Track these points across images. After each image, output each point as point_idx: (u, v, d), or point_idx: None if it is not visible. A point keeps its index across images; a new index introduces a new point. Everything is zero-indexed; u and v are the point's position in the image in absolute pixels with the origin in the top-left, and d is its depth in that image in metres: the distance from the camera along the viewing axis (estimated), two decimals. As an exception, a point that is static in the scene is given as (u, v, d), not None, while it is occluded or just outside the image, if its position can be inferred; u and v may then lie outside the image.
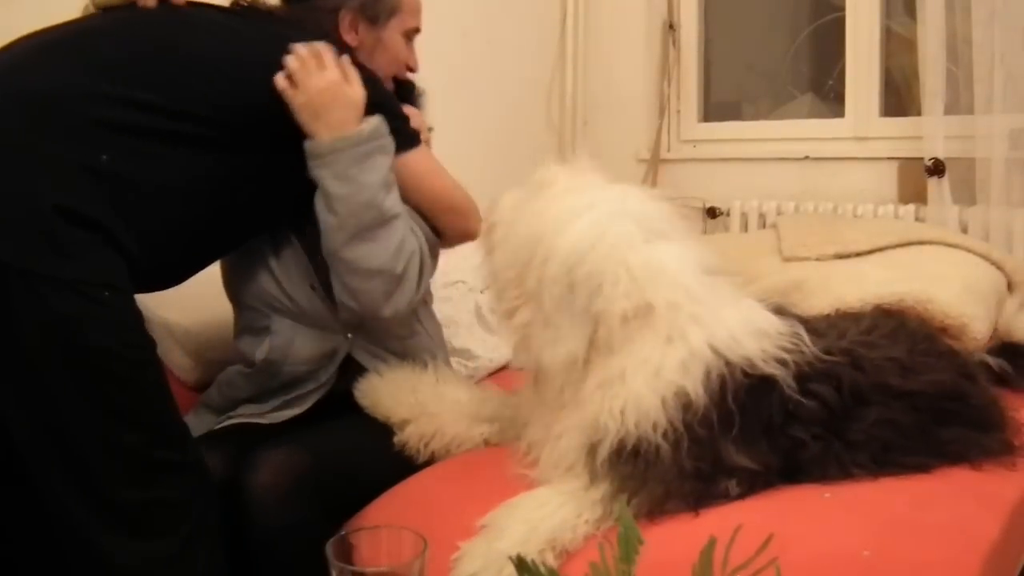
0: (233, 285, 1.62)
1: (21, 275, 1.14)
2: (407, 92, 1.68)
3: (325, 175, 1.40)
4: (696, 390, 1.18)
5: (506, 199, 1.39)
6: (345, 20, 1.54)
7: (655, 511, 1.17)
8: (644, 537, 0.77)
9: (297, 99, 1.37)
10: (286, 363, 1.55)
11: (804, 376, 1.24)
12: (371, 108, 1.44)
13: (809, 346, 1.26)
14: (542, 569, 0.77)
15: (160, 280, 1.40)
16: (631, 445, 1.17)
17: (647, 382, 1.19)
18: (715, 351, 1.21)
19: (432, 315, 1.74)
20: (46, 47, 1.32)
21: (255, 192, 1.43)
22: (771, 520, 1.10)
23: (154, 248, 1.29)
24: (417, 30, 1.65)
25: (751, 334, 1.24)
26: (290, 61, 1.37)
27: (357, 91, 1.41)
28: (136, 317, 1.25)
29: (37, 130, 1.21)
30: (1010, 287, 2.18)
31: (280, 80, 1.37)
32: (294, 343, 1.55)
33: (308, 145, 1.40)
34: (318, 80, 1.37)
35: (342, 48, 1.47)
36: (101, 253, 1.21)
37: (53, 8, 1.61)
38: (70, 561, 1.21)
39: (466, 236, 1.63)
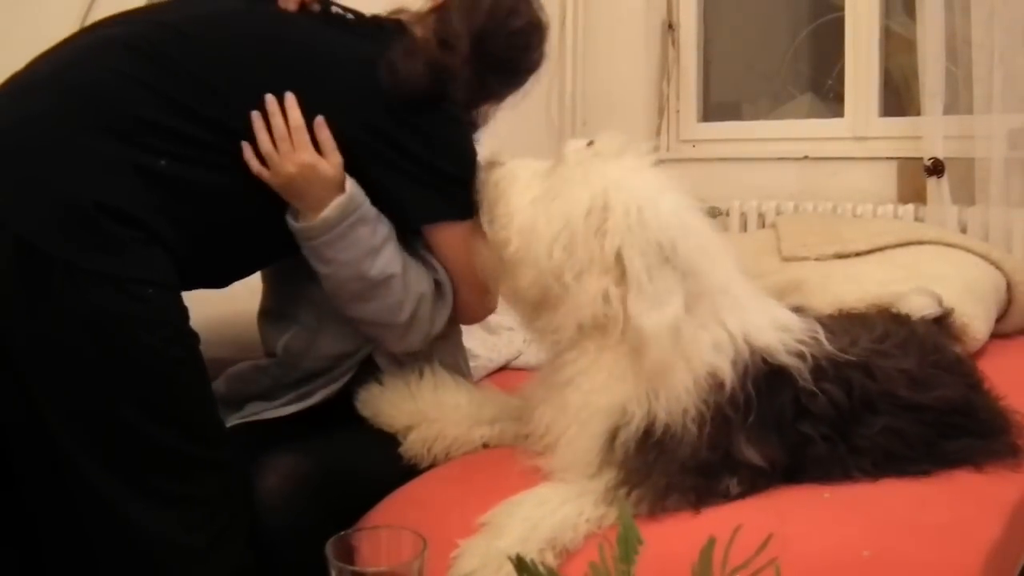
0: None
1: (65, 268, 1.15)
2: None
3: (307, 255, 1.39)
4: (726, 370, 1.20)
5: (520, 168, 1.35)
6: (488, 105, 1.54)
7: (656, 506, 1.17)
8: (644, 536, 0.77)
9: (273, 181, 1.34)
10: (307, 357, 1.53)
11: (818, 374, 1.25)
12: (443, 177, 1.40)
13: (825, 343, 1.27)
14: (541, 569, 0.77)
15: (206, 281, 1.40)
16: (656, 432, 1.18)
17: (682, 364, 1.20)
18: (743, 338, 1.23)
19: (460, 330, 1.70)
20: (115, 40, 1.30)
21: None
22: (771, 520, 1.10)
23: (198, 251, 1.29)
24: None
25: (773, 327, 1.26)
26: (263, 144, 1.31)
27: (331, 165, 1.34)
28: (180, 315, 1.26)
29: (89, 125, 1.22)
30: (1009, 287, 2.18)
31: (254, 164, 1.32)
32: (318, 337, 1.53)
33: (289, 223, 1.37)
34: (289, 165, 1.31)
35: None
36: (147, 251, 1.22)
37: (53, 8, 1.61)
38: (101, 554, 1.22)
39: (487, 312, 1.59)
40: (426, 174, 1.39)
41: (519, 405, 1.48)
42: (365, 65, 1.36)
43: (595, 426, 1.24)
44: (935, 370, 1.37)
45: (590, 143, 1.30)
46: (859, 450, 1.27)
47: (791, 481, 1.26)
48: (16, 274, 1.15)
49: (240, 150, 1.31)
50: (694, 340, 1.21)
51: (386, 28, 1.45)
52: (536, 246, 1.25)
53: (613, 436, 1.21)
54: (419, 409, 1.48)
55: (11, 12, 1.67)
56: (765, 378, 1.22)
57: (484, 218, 1.36)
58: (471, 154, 1.45)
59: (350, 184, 1.36)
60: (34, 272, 1.15)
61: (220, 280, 1.45)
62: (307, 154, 1.32)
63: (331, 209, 1.34)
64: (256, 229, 1.40)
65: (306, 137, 1.33)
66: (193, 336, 1.27)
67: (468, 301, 1.52)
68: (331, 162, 1.34)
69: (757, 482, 1.22)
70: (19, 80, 1.28)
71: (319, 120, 1.33)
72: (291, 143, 1.32)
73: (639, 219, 1.20)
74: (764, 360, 1.22)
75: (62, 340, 1.16)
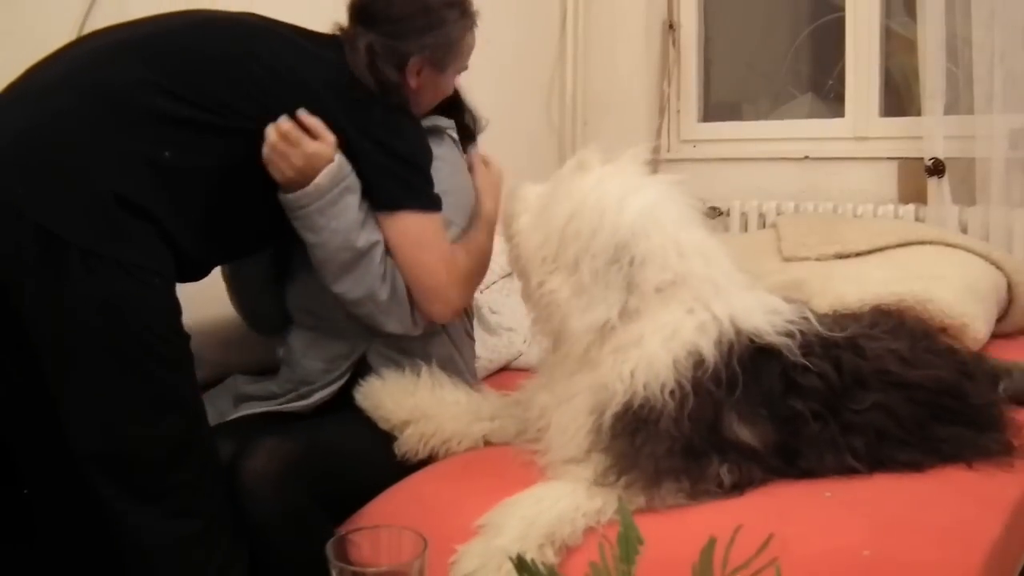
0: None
1: (82, 254, 1.20)
2: (466, 123, 1.74)
3: (298, 227, 1.44)
4: (708, 348, 1.23)
5: (529, 191, 1.45)
6: (414, 66, 1.53)
7: (650, 491, 1.19)
8: (644, 536, 0.77)
9: (279, 177, 1.40)
10: (306, 355, 1.61)
11: (807, 351, 1.28)
12: (400, 162, 1.47)
13: (815, 324, 1.31)
14: (541, 568, 0.77)
15: (194, 272, 1.45)
16: (636, 407, 1.20)
17: (663, 344, 1.24)
18: (729, 320, 1.26)
19: (462, 327, 1.72)
20: (126, 45, 1.37)
21: None
22: (771, 520, 1.10)
23: (194, 242, 1.34)
24: (465, 67, 1.66)
25: (763, 311, 1.30)
26: (266, 151, 1.38)
27: (328, 145, 1.41)
28: (178, 306, 1.31)
29: (109, 122, 1.28)
30: (1010, 287, 2.18)
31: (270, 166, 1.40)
32: (316, 339, 1.61)
33: (281, 198, 1.43)
34: (294, 160, 1.38)
35: (398, 90, 1.50)
36: (153, 242, 1.28)
37: (53, 8, 1.61)
38: (100, 539, 1.25)
39: (427, 317, 1.53)
40: (390, 162, 1.46)
41: (518, 401, 1.50)
42: (335, 67, 1.45)
43: (580, 405, 1.28)
44: (926, 353, 1.39)
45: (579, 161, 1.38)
46: (851, 428, 1.28)
47: (788, 466, 1.27)
48: (35, 262, 1.20)
49: (234, 132, 1.37)
50: (678, 323, 1.25)
51: (336, 38, 1.53)
52: (528, 257, 1.37)
53: (600, 415, 1.24)
54: (418, 405, 1.49)
55: (10, 13, 1.67)
56: (751, 357, 1.25)
57: (505, 238, 1.48)
58: (424, 142, 1.53)
59: (338, 155, 1.42)
60: (53, 260, 1.20)
61: (202, 272, 1.48)
62: (306, 145, 1.39)
63: (323, 176, 1.40)
64: (248, 210, 1.45)
65: (297, 132, 1.39)
66: (187, 334, 1.32)
67: (415, 299, 1.52)
68: (327, 142, 1.41)
69: (748, 468, 1.23)
70: (36, 81, 1.33)
71: (300, 111, 1.40)
72: (287, 143, 1.38)
73: (596, 224, 1.27)
74: (751, 340, 1.25)
75: (76, 325, 1.21)
